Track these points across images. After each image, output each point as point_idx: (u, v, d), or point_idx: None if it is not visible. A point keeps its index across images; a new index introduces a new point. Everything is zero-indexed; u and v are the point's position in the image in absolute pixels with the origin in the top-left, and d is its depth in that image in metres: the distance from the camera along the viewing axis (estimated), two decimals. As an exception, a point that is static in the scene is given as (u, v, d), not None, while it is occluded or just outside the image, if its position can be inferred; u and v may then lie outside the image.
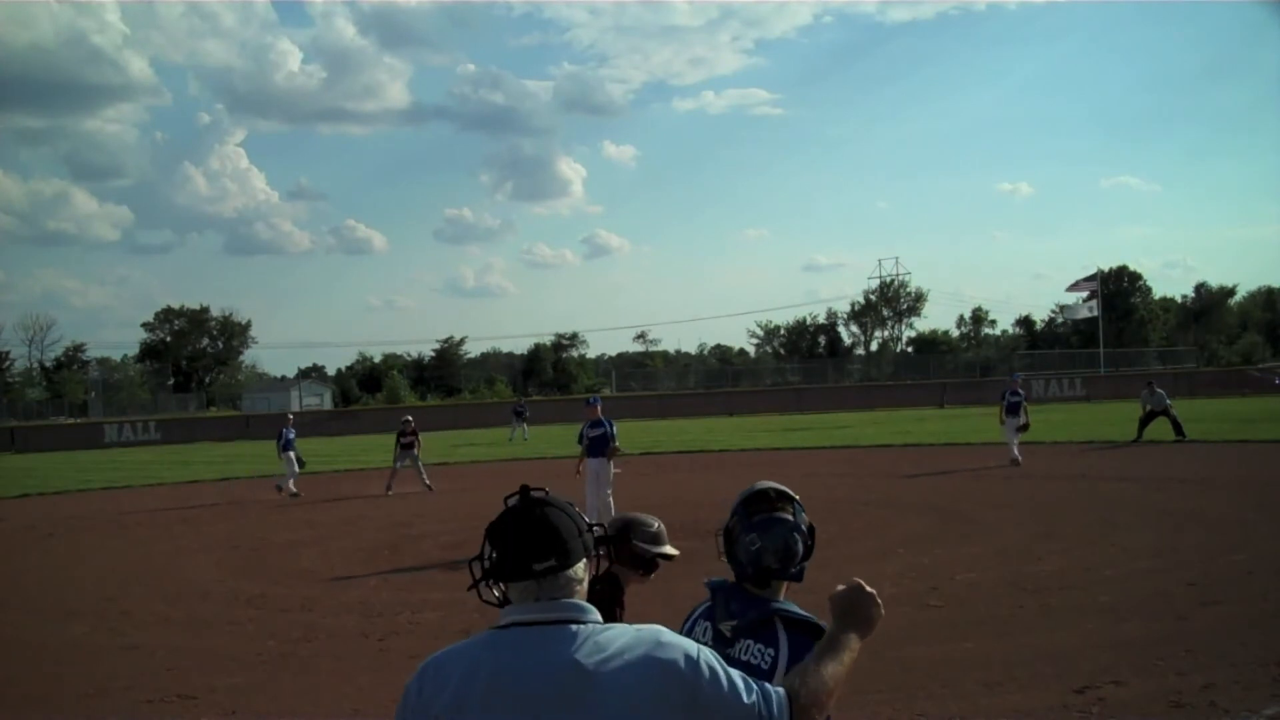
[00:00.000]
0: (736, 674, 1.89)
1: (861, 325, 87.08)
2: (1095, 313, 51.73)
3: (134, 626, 9.04)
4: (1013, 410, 18.55)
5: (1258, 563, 9.14)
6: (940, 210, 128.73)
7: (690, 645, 1.87)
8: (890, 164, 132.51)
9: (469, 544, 1.98)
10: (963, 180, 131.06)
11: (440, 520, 14.94)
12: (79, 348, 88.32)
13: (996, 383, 35.40)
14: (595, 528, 2.01)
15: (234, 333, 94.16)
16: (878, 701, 5.74)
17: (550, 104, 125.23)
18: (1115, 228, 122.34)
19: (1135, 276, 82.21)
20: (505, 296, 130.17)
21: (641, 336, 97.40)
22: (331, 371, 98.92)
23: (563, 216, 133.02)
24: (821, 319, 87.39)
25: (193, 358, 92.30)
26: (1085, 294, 53.50)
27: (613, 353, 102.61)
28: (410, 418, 19.83)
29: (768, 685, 1.93)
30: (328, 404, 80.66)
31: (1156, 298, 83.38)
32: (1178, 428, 21.52)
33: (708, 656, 1.87)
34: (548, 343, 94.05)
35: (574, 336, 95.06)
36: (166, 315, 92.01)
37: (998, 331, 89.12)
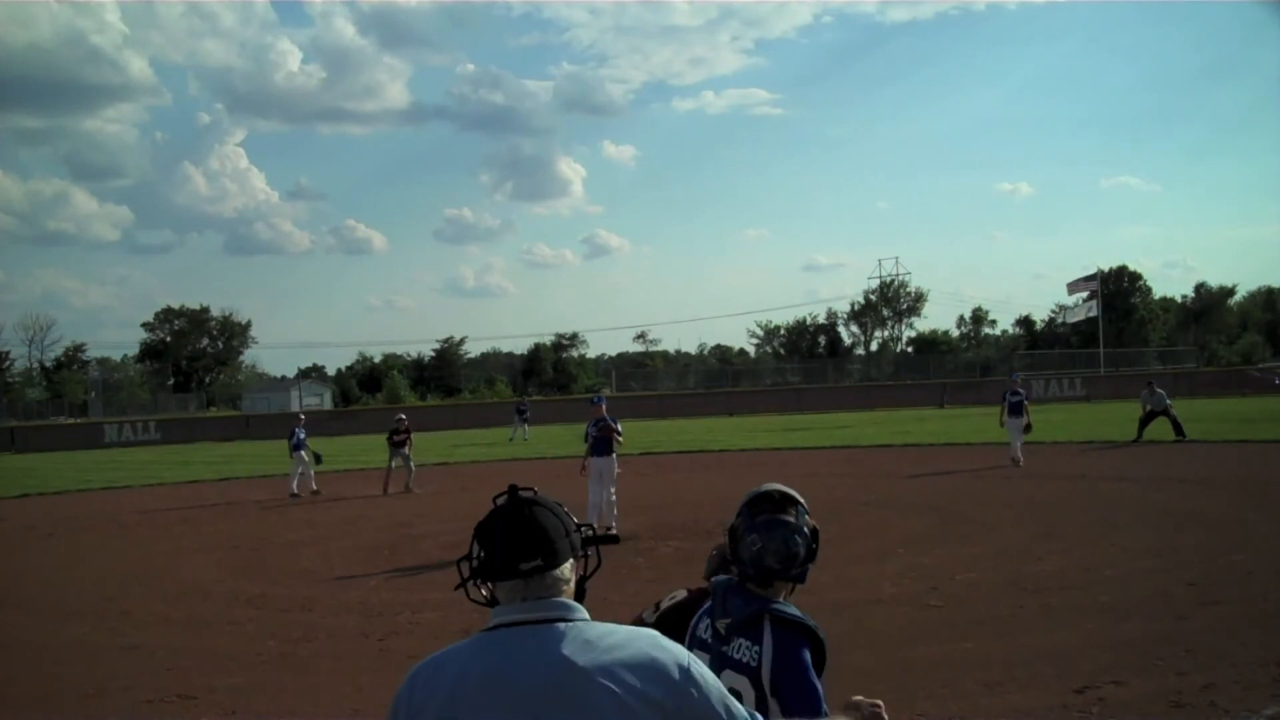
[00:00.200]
0: (729, 697, 1.89)
1: (861, 325, 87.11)
2: (1095, 313, 51.73)
3: (134, 626, 9.04)
4: (1015, 410, 18.54)
5: (1258, 563, 9.14)
6: (940, 210, 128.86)
7: (682, 653, 1.87)
8: (890, 164, 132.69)
9: (468, 544, 1.98)
10: (963, 180, 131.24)
11: (440, 520, 14.94)
12: (79, 348, 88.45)
13: (996, 383, 35.42)
14: (584, 528, 2.01)
15: (234, 333, 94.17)
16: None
17: (550, 104, 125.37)
18: (1115, 228, 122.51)
19: (1135, 276, 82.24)
20: (505, 296, 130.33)
21: (641, 336, 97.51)
22: (331, 371, 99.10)
23: (563, 216, 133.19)
24: (821, 319, 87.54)
25: (193, 358, 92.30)
26: (1085, 294, 53.51)
27: (613, 353, 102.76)
28: (404, 416, 19.84)
29: (758, 715, 1.95)
30: (328, 404, 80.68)
31: (1156, 298, 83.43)
32: (1178, 428, 21.52)
33: (699, 668, 1.87)
34: (548, 343, 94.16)
35: (574, 336, 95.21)
36: (166, 315, 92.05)
37: (998, 331, 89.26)
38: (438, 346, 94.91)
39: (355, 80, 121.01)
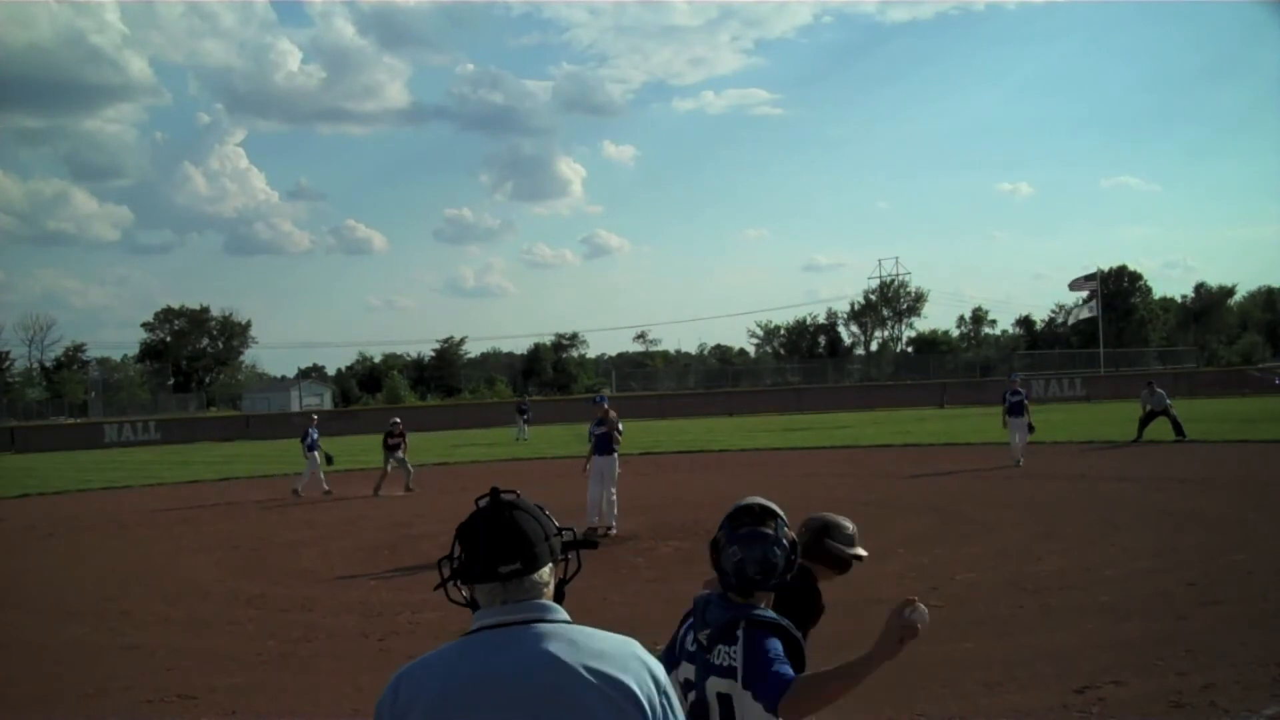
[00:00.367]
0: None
1: (861, 325, 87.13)
2: (1095, 313, 51.72)
3: (134, 626, 9.04)
4: (1016, 410, 18.52)
5: (1258, 563, 9.14)
6: (940, 210, 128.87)
7: (657, 664, 1.91)
8: (890, 164, 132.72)
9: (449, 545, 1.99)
10: (963, 180, 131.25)
11: (440, 520, 14.92)
12: (79, 348, 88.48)
13: (996, 383, 35.41)
14: (565, 531, 2.01)
15: (234, 333, 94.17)
16: (878, 701, 5.73)
17: (550, 104, 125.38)
18: (1115, 228, 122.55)
19: (1135, 276, 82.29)
20: (505, 296, 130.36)
21: (641, 336, 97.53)
22: (331, 371, 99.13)
23: (562, 216, 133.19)
24: (821, 319, 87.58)
25: (193, 358, 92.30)
26: (1085, 293, 53.52)
27: (613, 353, 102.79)
28: (398, 420, 19.87)
29: None
30: (328, 404, 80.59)
31: (1156, 298, 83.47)
32: (1178, 428, 21.52)
33: (668, 685, 1.91)
34: (548, 343, 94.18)
35: (574, 336, 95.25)
36: (166, 315, 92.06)
37: (998, 331, 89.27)
38: (438, 346, 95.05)
39: (355, 80, 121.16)
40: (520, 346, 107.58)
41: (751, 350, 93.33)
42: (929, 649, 6.91)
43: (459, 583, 1.95)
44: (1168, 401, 22.14)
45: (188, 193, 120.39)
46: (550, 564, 1.94)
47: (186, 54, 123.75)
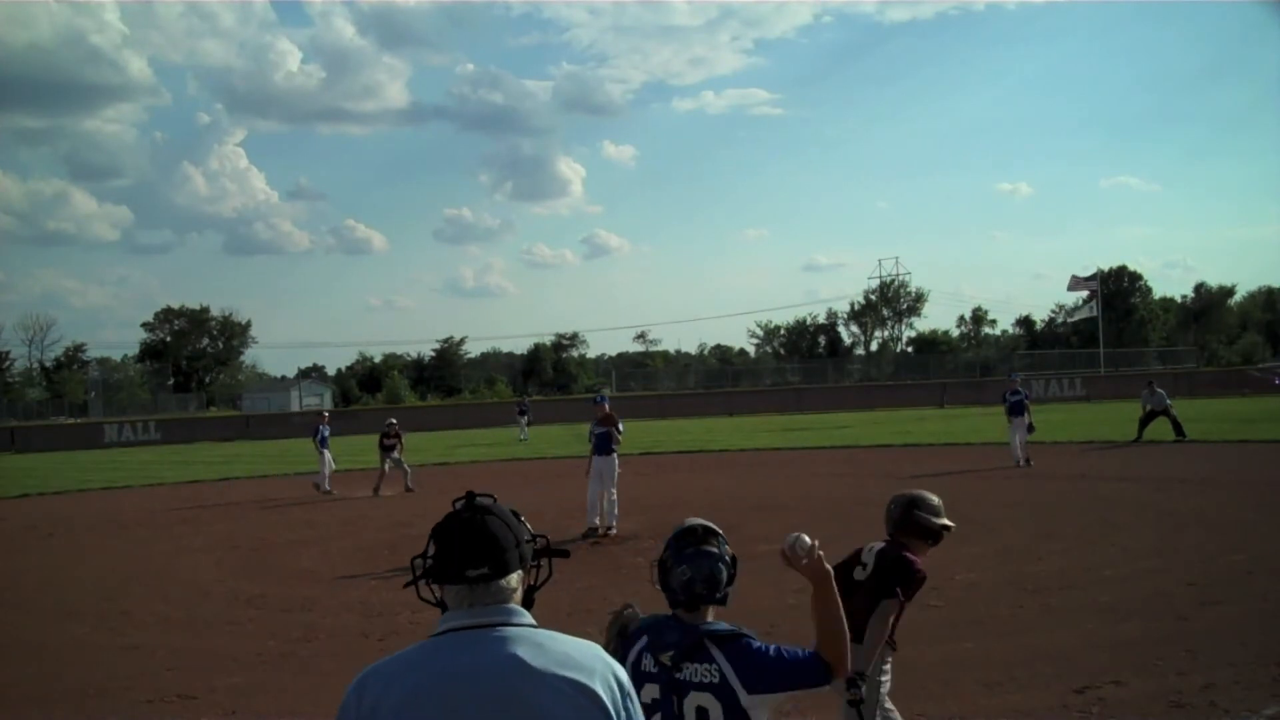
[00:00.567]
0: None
1: (861, 325, 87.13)
2: (1095, 313, 51.74)
3: (134, 626, 9.05)
4: (1016, 410, 18.51)
5: (1258, 563, 9.14)
6: (940, 210, 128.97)
7: (621, 669, 1.93)
8: (890, 164, 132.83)
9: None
10: (963, 180, 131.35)
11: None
12: (79, 348, 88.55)
13: (996, 383, 35.39)
14: (538, 538, 2.03)
15: (234, 333, 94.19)
16: (878, 701, 5.74)
17: (550, 104, 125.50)
18: (1115, 228, 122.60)
19: (1135, 276, 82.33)
20: (505, 296, 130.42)
21: (641, 336, 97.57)
22: (331, 371, 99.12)
23: (562, 216, 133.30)
24: (821, 319, 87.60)
25: (193, 358, 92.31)
26: (1085, 293, 53.49)
27: (613, 353, 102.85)
28: (394, 420, 19.89)
29: None
30: (328, 404, 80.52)
31: (1156, 298, 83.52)
32: (1178, 428, 21.52)
33: (630, 688, 1.93)
34: (548, 343, 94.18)
35: (574, 336, 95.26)
36: (166, 315, 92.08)
37: (998, 331, 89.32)
38: (438, 346, 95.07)
39: (355, 80, 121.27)
40: (520, 346, 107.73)
41: (751, 350, 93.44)
42: (929, 649, 6.92)
43: (430, 582, 1.97)
44: (1168, 401, 22.14)
45: (187, 193, 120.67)
46: (520, 570, 1.96)
47: (186, 54, 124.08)
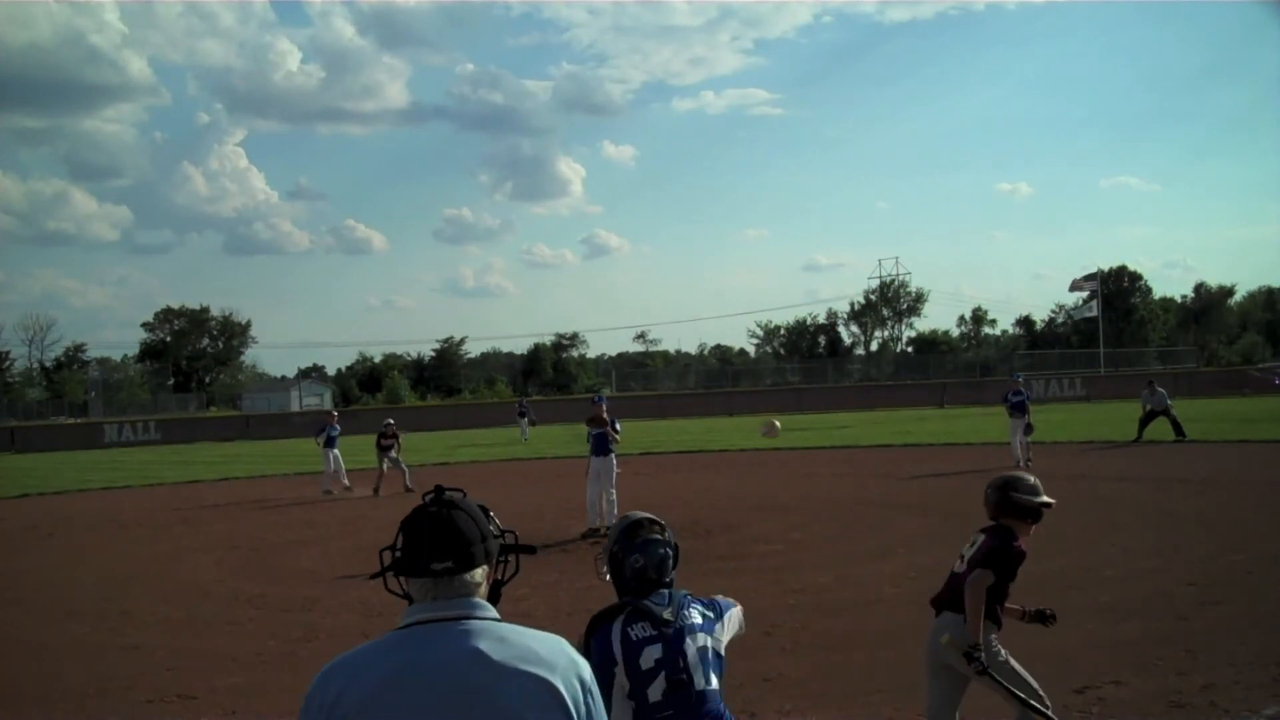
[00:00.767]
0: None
1: (861, 325, 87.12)
2: (1095, 313, 51.75)
3: (134, 626, 9.04)
4: (1017, 410, 18.49)
5: (1258, 563, 9.14)
6: (940, 210, 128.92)
7: (584, 662, 1.96)
8: (890, 164, 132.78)
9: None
10: (963, 180, 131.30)
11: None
12: (79, 348, 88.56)
13: (996, 383, 35.42)
14: (506, 534, 2.05)
15: (234, 333, 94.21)
16: (878, 701, 5.73)
17: (549, 104, 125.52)
18: (1115, 228, 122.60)
19: (1135, 276, 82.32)
20: (505, 296, 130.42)
21: (641, 336, 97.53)
22: (331, 371, 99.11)
23: (562, 216, 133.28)
24: (821, 319, 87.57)
25: (193, 358, 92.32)
26: (1086, 293, 53.51)
27: (613, 353, 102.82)
28: (391, 420, 19.88)
29: None
30: (328, 404, 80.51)
31: (1156, 298, 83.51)
32: (1178, 428, 21.52)
33: (593, 685, 1.96)
34: (548, 343, 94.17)
35: (574, 336, 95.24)
36: (166, 315, 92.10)
37: (998, 331, 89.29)
38: (438, 346, 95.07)
39: (354, 80, 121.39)
40: (520, 346, 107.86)
41: (751, 350, 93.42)
42: (929, 649, 6.92)
43: (397, 575, 1.99)
44: (1168, 401, 22.14)
45: (187, 193, 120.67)
46: (485, 565, 1.97)
47: (186, 54, 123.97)
